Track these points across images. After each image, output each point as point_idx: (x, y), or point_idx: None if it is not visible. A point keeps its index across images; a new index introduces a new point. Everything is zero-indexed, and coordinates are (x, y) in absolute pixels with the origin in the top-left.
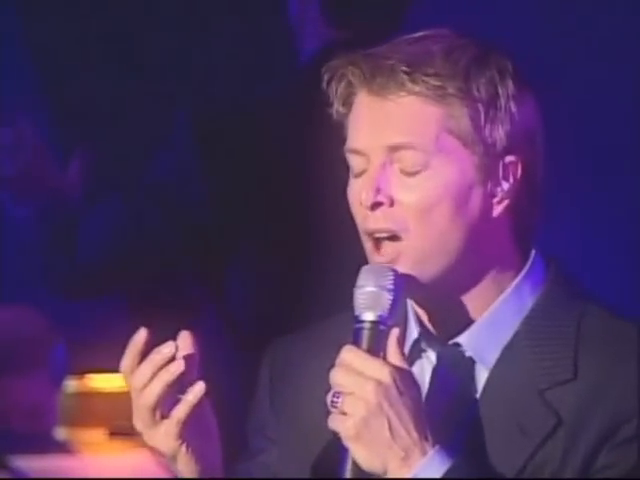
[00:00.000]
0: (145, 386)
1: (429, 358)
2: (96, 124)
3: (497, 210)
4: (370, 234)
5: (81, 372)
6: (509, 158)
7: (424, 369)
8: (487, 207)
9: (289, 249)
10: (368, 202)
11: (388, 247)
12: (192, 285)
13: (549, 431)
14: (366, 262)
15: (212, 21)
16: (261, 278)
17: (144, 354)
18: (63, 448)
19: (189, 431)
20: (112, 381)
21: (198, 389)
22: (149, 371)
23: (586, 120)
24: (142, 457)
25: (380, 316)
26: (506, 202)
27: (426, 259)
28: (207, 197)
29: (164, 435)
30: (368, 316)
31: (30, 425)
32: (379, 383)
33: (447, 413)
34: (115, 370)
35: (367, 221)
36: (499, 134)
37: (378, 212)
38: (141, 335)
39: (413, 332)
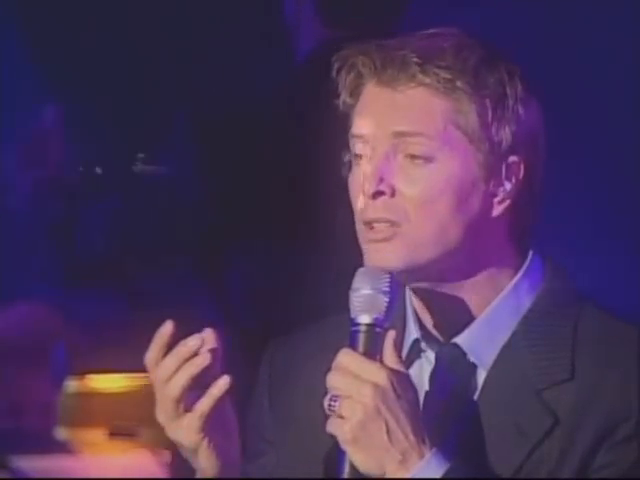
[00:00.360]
0: (170, 378)
1: (428, 358)
2: (96, 124)
3: (498, 210)
4: (368, 223)
5: (81, 372)
6: (512, 158)
7: (423, 369)
8: (488, 206)
9: (289, 248)
10: (370, 191)
11: (383, 227)
12: (193, 285)
13: (546, 431)
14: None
15: (212, 21)
16: (261, 277)
17: (168, 347)
18: (63, 448)
19: (211, 425)
20: (112, 381)
21: (223, 383)
22: (174, 363)
23: (586, 121)
24: (142, 457)
25: (376, 319)
26: (507, 202)
27: (420, 247)
28: (207, 197)
29: (187, 428)
30: (364, 319)
31: (42, 424)
32: (376, 386)
33: (445, 413)
34: (115, 370)
35: (366, 210)
36: (505, 133)
37: (378, 202)
38: (167, 328)
39: (412, 333)
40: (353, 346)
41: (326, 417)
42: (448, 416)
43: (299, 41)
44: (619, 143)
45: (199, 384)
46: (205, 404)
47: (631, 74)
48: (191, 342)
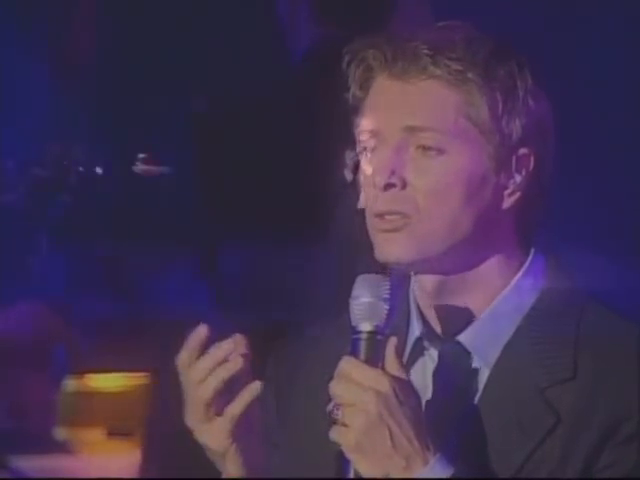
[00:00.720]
0: (202, 380)
1: (431, 356)
2: (96, 124)
3: (507, 202)
4: (379, 215)
5: (81, 372)
6: (523, 150)
7: (426, 367)
8: (498, 198)
9: (288, 249)
10: (381, 183)
11: (394, 218)
12: (193, 285)
13: (548, 429)
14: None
15: (212, 21)
16: (263, 277)
17: (201, 349)
18: (62, 448)
19: (240, 430)
20: (111, 381)
21: (254, 388)
22: (208, 366)
23: (586, 120)
24: (140, 457)
25: (377, 326)
26: (517, 195)
27: (430, 238)
28: (207, 196)
29: (217, 432)
30: (365, 327)
31: (41, 424)
32: (378, 393)
33: (448, 411)
34: (114, 370)
35: (377, 202)
36: (515, 125)
37: (389, 194)
38: (202, 330)
39: (415, 330)
40: (355, 354)
41: (329, 424)
42: (450, 414)
43: (293, 41)
44: (619, 143)
45: (229, 388)
46: (236, 408)
47: (632, 73)
48: (226, 345)
